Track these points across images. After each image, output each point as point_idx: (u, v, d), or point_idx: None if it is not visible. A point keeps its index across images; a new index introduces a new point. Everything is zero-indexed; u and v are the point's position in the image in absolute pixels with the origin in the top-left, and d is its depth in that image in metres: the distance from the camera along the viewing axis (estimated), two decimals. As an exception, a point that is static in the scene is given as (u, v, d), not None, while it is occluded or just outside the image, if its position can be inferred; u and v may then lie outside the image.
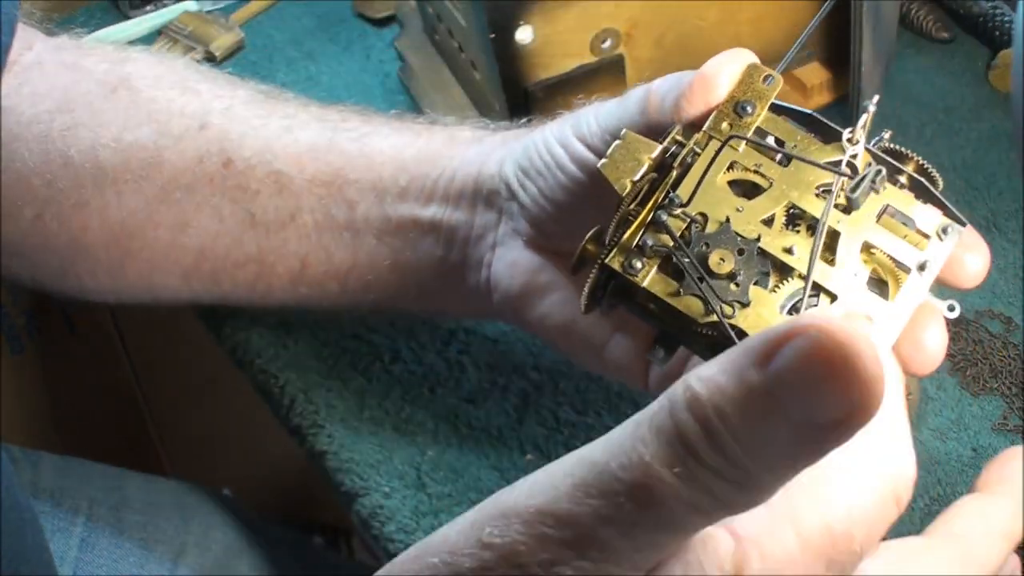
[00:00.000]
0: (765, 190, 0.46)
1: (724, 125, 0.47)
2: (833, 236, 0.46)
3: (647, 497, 0.34)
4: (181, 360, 1.35)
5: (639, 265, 0.45)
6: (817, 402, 0.30)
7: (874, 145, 0.49)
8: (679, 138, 0.47)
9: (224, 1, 1.10)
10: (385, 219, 0.61)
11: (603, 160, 0.46)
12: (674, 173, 0.46)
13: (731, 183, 0.47)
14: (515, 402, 0.76)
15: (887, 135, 0.49)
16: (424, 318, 0.78)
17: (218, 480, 1.04)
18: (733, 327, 0.44)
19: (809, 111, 0.49)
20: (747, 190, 0.47)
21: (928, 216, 0.47)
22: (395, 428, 0.75)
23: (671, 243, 0.45)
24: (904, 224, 0.47)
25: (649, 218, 0.45)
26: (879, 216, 0.47)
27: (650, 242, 0.45)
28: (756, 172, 0.47)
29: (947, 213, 0.48)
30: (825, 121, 0.49)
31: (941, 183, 0.49)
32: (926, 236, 0.47)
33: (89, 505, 0.82)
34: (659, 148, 0.46)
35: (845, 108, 0.84)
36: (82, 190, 0.62)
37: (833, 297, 0.45)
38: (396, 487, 0.72)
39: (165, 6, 1.09)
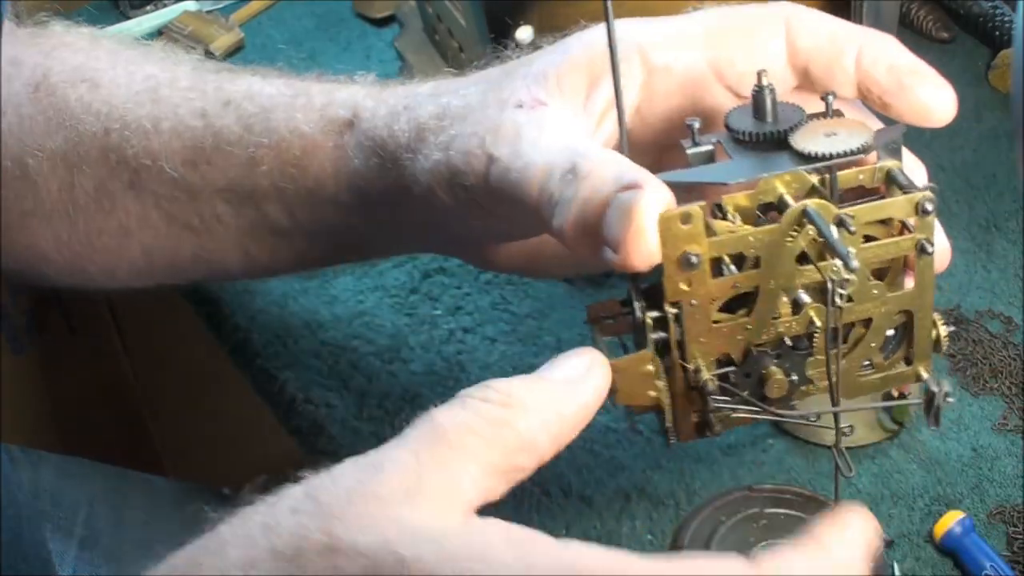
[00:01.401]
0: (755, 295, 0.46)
1: (683, 286, 0.45)
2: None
3: None
4: (181, 360, 1.35)
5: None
6: None
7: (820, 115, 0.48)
8: (650, 320, 0.46)
9: (224, 1, 1.10)
10: (303, 208, 0.60)
11: (615, 394, 0.48)
12: (674, 352, 0.47)
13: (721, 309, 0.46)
14: (515, 402, 0.75)
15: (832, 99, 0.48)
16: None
17: (218, 480, 1.04)
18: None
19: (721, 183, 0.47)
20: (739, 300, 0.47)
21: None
22: (395, 428, 0.75)
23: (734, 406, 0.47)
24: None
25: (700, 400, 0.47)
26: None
27: (716, 406, 0.47)
28: (735, 288, 0.46)
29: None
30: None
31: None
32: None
33: (89, 505, 0.82)
34: (652, 351, 0.46)
35: (845, 108, 0.83)
36: (24, 200, 0.62)
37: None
38: (396, 487, 0.72)
39: (165, 6, 1.10)
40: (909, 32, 0.96)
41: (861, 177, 0.47)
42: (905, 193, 0.46)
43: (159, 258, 0.62)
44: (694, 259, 0.44)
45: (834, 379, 0.47)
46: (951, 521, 0.65)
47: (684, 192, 0.46)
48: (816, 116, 0.48)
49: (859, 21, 0.78)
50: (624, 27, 0.51)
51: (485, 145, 0.50)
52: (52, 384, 1.39)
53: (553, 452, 0.43)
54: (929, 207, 0.46)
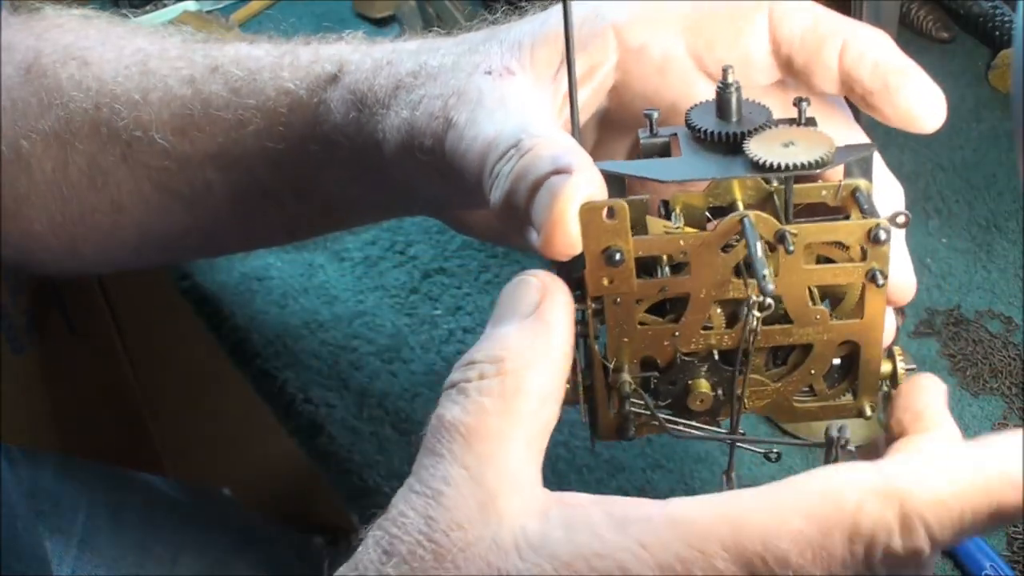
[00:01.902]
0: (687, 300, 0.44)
1: (605, 282, 0.43)
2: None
3: None
4: (181, 360, 1.35)
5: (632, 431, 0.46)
6: None
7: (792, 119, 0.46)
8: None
9: (224, 1, 1.10)
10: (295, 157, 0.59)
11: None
12: (595, 348, 0.45)
13: (648, 311, 0.44)
14: (515, 402, 0.75)
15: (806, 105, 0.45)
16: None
17: (218, 480, 1.04)
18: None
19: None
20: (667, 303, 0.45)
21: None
22: (395, 428, 0.75)
23: (649, 412, 0.45)
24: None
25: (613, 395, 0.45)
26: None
27: (631, 409, 0.45)
28: (662, 292, 0.44)
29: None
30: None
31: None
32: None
33: (88, 505, 0.82)
34: (574, 359, 0.44)
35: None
36: (18, 183, 0.62)
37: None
38: (396, 487, 0.72)
39: (165, 6, 1.09)
40: (909, 32, 0.96)
41: (824, 193, 0.45)
42: (863, 217, 0.44)
43: (152, 233, 0.62)
44: (617, 256, 0.41)
45: (737, 404, 0.45)
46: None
47: (639, 185, 0.45)
48: (786, 121, 0.45)
49: (859, 21, 0.78)
50: (601, 4, 0.50)
51: (447, 108, 0.49)
52: (52, 384, 1.39)
53: (563, 388, 0.42)
54: (883, 236, 0.42)
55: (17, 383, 1.33)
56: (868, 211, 0.44)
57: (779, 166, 0.42)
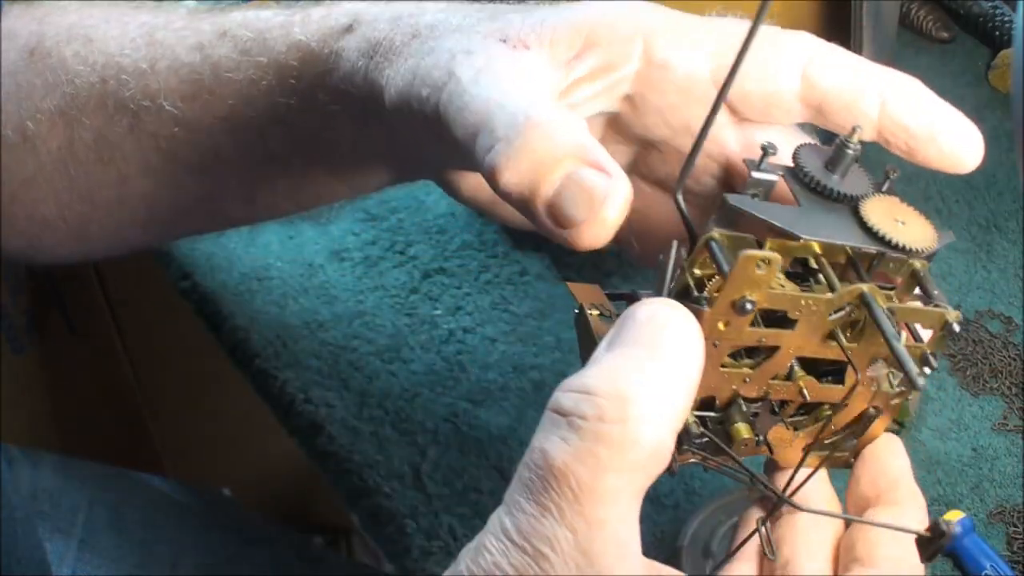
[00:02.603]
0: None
1: (721, 326, 0.42)
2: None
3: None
4: (181, 360, 1.35)
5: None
6: None
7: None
8: None
9: (224, 1, 1.10)
10: (301, 120, 0.59)
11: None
12: None
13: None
14: (515, 402, 0.76)
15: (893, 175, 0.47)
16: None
17: (218, 480, 1.04)
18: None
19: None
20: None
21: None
22: (395, 428, 0.75)
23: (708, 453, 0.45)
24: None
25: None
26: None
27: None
28: (760, 342, 0.43)
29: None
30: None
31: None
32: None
33: (88, 505, 0.82)
34: None
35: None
36: (25, 166, 0.62)
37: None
38: (396, 487, 0.72)
39: (165, 6, 1.09)
40: (909, 32, 0.96)
41: (891, 265, 0.45)
42: (929, 302, 0.44)
43: (159, 206, 0.62)
44: (748, 306, 0.41)
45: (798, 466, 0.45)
46: (951, 521, 0.65)
47: (734, 218, 0.44)
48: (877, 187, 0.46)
49: (859, 21, 0.78)
50: (637, 6, 0.50)
51: (453, 62, 0.47)
52: (52, 384, 1.39)
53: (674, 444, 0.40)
54: (956, 329, 0.43)
55: (17, 383, 1.33)
56: (936, 298, 0.44)
57: (902, 247, 0.43)
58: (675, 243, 0.43)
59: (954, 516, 0.65)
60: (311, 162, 0.59)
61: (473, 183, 0.56)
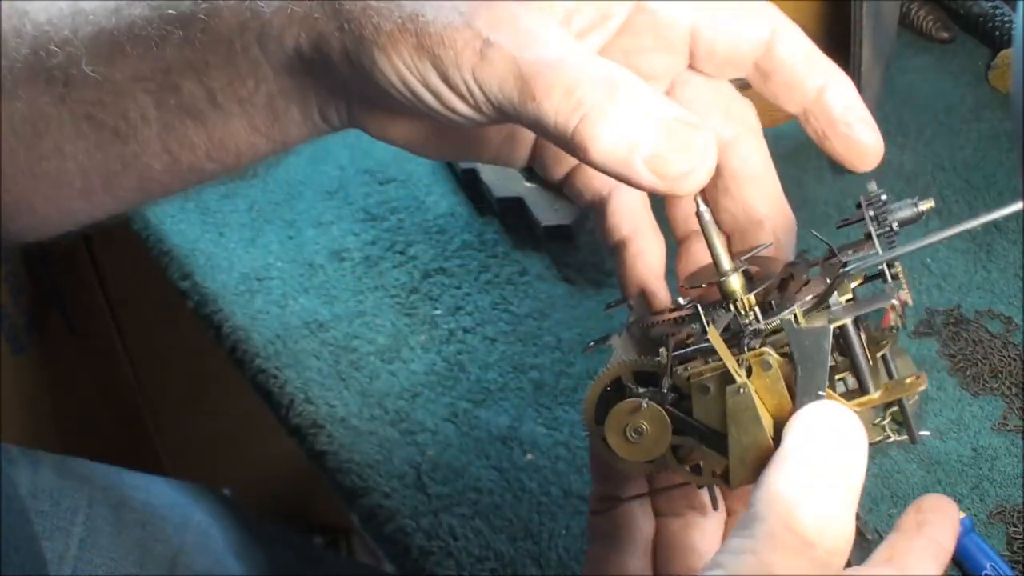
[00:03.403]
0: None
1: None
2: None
3: None
4: (181, 360, 1.35)
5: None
6: None
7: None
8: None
9: None
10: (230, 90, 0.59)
11: None
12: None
13: None
14: (515, 402, 0.76)
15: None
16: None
17: (218, 480, 1.04)
18: None
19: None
20: None
21: None
22: (395, 428, 0.75)
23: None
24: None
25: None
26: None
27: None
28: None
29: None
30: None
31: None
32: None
33: (88, 504, 0.82)
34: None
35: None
36: None
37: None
38: (396, 487, 0.72)
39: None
40: (909, 32, 0.96)
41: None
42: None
43: (94, 174, 0.62)
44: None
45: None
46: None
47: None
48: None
49: (859, 21, 0.78)
50: None
51: (474, 25, 0.47)
52: (52, 384, 1.39)
53: None
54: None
55: (17, 383, 1.33)
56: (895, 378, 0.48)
57: None
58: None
59: (954, 516, 0.65)
60: (227, 116, 0.59)
61: (405, 127, 0.56)
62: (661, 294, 0.54)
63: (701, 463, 0.47)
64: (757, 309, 0.47)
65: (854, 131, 0.51)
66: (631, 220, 0.55)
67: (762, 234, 0.53)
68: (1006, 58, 0.91)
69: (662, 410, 0.46)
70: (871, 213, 0.48)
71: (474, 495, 0.71)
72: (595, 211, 0.57)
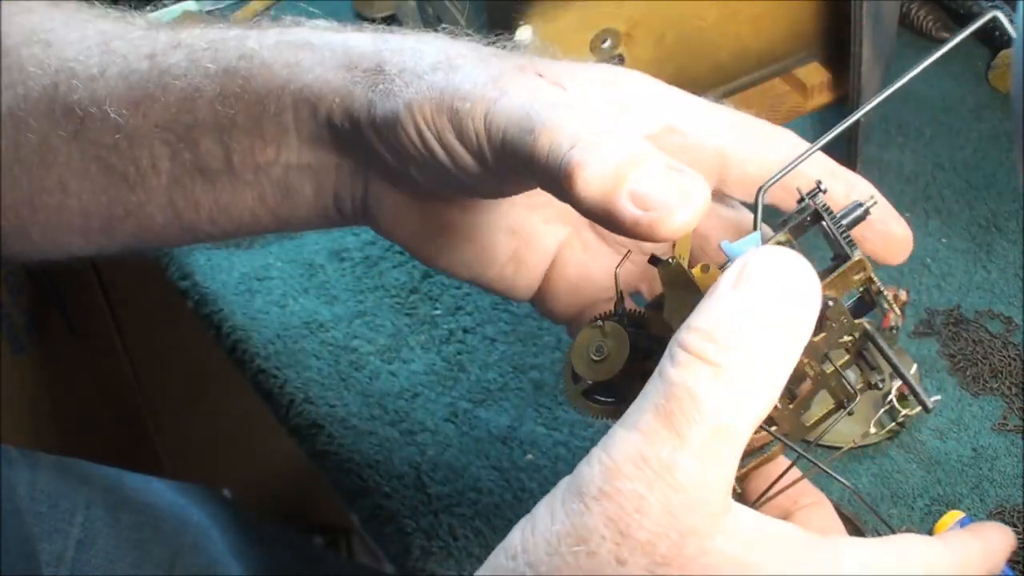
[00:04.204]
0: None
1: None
2: None
3: None
4: (181, 360, 1.35)
5: None
6: None
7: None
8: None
9: (224, 1, 1.10)
10: (245, 162, 0.59)
11: None
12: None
13: None
14: (515, 402, 0.76)
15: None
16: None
17: (218, 480, 1.04)
18: None
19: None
20: None
21: None
22: (395, 428, 0.75)
23: None
24: None
25: None
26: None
27: None
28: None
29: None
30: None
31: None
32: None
33: (87, 506, 0.82)
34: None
35: (845, 108, 0.84)
36: None
37: None
38: (396, 487, 0.72)
39: (165, 6, 1.09)
40: (909, 32, 0.96)
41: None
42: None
43: (95, 216, 0.62)
44: (830, 303, 0.46)
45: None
46: (951, 521, 0.65)
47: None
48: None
49: (859, 21, 0.78)
50: (661, 93, 0.53)
51: (503, 80, 0.49)
52: (52, 384, 1.39)
53: None
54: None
55: (17, 383, 1.33)
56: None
57: None
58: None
59: (954, 516, 0.65)
60: (239, 182, 0.59)
61: (415, 222, 0.57)
62: None
63: None
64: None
65: (890, 228, 0.52)
66: None
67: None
68: (1006, 58, 0.91)
69: (621, 327, 0.47)
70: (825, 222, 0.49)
71: (474, 495, 0.71)
72: None
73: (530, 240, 0.58)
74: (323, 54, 0.54)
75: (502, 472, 0.72)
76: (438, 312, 0.81)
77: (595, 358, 0.47)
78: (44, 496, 0.82)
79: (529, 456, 0.73)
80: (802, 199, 0.48)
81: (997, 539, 0.47)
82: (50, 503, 0.81)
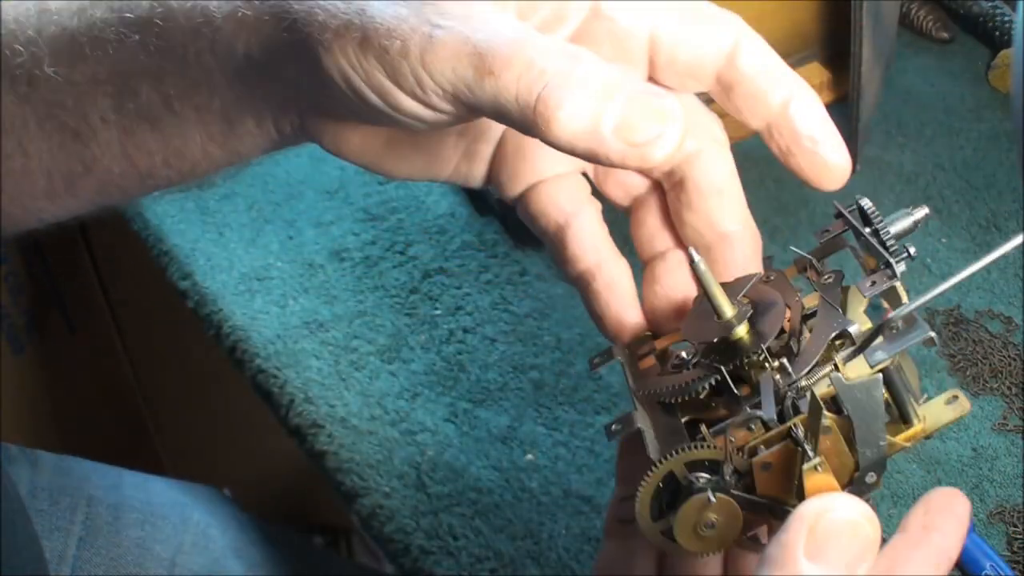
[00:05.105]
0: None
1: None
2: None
3: None
4: (181, 360, 1.35)
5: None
6: None
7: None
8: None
9: None
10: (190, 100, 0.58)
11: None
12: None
13: None
14: (515, 402, 0.76)
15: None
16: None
17: (218, 480, 1.04)
18: None
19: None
20: None
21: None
22: (395, 428, 0.75)
23: None
24: None
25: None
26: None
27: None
28: None
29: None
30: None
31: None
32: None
33: (88, 504, 0.82)
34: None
35: (845, 108, 0.84)
36: None
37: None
38: (396, 487, 0.72)
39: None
40: (909, 32, 0.96)
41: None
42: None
43: (56, 174, 0.62)
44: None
45: None
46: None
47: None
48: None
49: (859, 21, 0.78)
50: None
51: (422, 13, 0.45)
52: (52, 384, 1.39)
53: None
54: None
55: (17, 383, 1.33)
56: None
57: None
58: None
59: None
60: (185, 124, 0.58)
61: (359, 139, 0.54)
62: (639, 326, 0.52)
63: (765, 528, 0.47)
64: (782, 361, 0.45)
65: (820, 148, 0.49)
66: (594, 248, 0.52)
67: (728, 250, 0.51)
68: (1006, 58, 0.91)
69: (733, 502, 0.45)
70: (868, 229, 0.47)
71: (474, 495, 0.71)
72: (552, 242, 0.54)
73: (479, 135, 0.55)
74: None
75: (502, 472, 0.72)
76: (438, 312, 0.81)
77: (703, 532, 0.45)
78: (45, 494, 0.82)
79: (529, 456, 0.73)
80: (839, 214, 0.47)
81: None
82: (51, 501, 0.82)
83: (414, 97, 0.46)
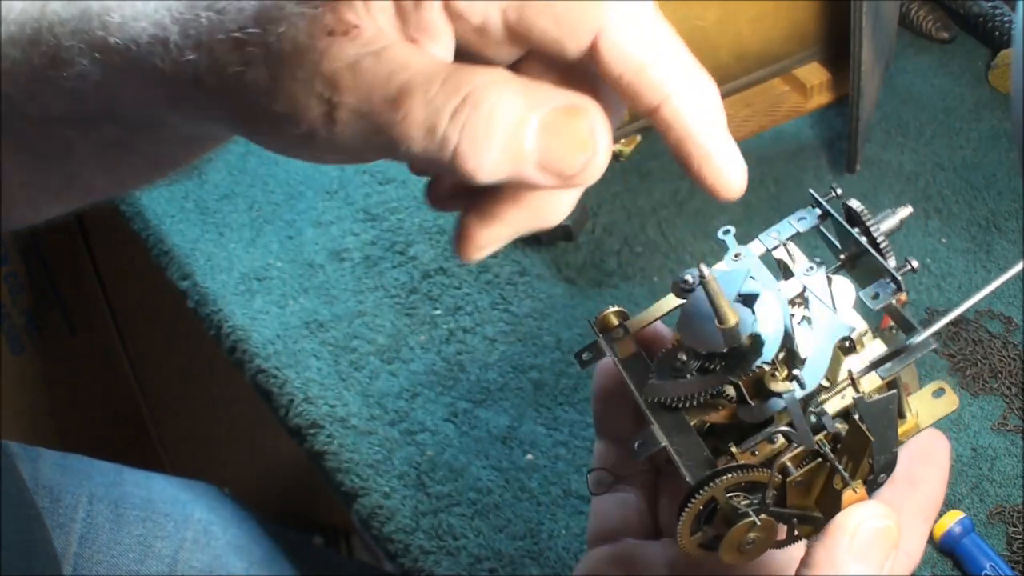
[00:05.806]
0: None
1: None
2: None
3: None
4: (181, 360, 1.35)
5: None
6: None
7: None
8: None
9: None
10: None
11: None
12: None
13: None
14: (515, 402, 0.76)
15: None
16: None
17: (218, 480, 1.04)
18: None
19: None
20: None
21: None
22: (395, 428, 0.75)
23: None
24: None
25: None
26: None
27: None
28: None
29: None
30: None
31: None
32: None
33: (89, 501, 0.82)
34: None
35: (845, 108, 0.84)
36: None
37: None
38: (396, 487, 0.72)
39: None
40: (909, 32, 0.96)
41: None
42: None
43: (36, 187, 0.62)
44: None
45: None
46: (951, 521, 0.65)
47: None
48: None
49: (859, 21, 0.78)
50: None
51: (316, 90, 0.40)
52: (52, 384, 1.39)
53: None
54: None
55: (17, 383, 1.33)
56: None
57: None
58: None
59: (954, 516, 0.65)
60: (155, 140, 0.57)
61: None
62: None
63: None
64: (794, 374, 0.46)
65: (711, 154, 0.43)
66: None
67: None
68: (1006, 58, 0.91)
69: (774, 521, 0.47)
70: (857, 230, 0.47)
71: (474, 495, 0.71)
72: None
73: None
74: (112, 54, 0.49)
75: (502, 472, 0.72)
76: (438, 312, 0.81)
77: (746, 550, 0.47)
78: (46, 491, 0.82)
79: (529, 456, 0.73)
80: (817, 203, 0.48)
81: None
82: (52, 498, 0.82)
83: (308, 121, 0.41)
